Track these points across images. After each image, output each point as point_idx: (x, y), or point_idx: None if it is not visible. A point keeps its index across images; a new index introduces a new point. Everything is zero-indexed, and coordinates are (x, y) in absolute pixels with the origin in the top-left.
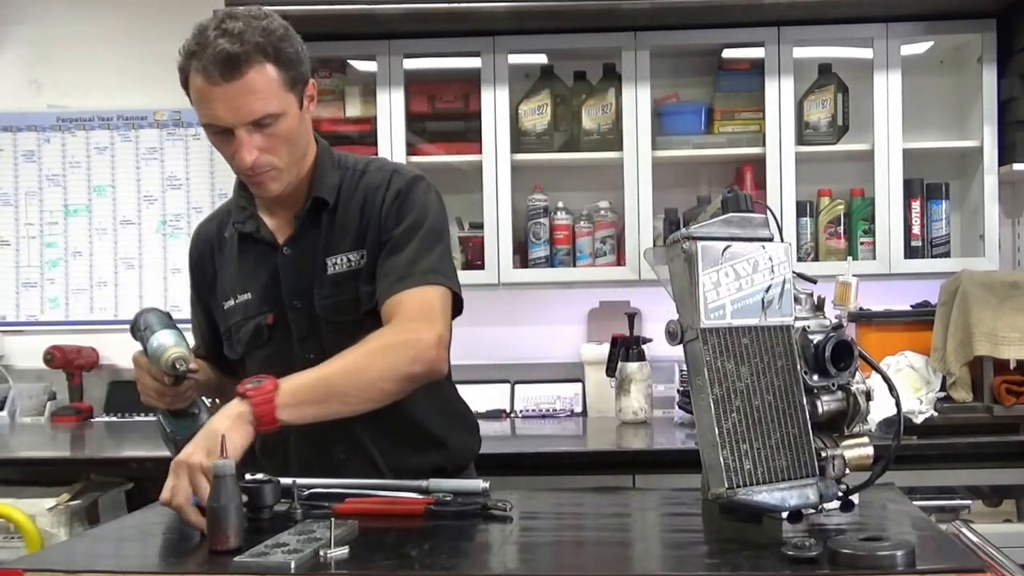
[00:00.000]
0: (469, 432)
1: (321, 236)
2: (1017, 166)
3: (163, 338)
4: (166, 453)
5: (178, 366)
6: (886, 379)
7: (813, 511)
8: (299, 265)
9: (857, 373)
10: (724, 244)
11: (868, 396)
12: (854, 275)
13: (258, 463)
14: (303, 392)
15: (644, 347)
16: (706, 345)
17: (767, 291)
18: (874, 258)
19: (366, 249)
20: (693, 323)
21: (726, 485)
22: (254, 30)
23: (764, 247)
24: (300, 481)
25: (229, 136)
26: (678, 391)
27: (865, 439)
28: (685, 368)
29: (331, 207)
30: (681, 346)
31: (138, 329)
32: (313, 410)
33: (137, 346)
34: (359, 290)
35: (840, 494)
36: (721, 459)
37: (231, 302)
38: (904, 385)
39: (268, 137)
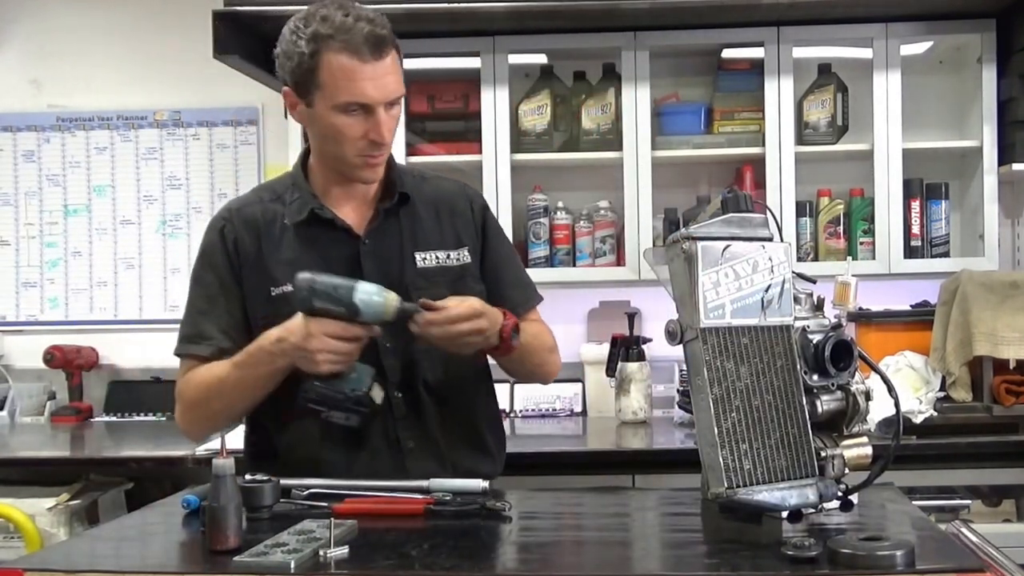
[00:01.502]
0: (503, 448)
1: (402, 230)
2: (1017, 166)
3: (369, 288)
4: (166, 453)
5: (407, 307)
6: (885, 379)
7: (813, 511)
8: (382, 256)
9: (856, 373)
10: (724, 244)
11: (867, 396)
12: (853, 275)
13: (327, 441)
14: (528, 339)
15: (644, 347)
16: (706, 345)
17: (767, 291)
18: (874, 258)
19: (467, 250)
20: (693, 323)
21: (725, 485)
22: (381, 19)
23: (764, 247)
24: (300, 481)
25: (363, 115)
26: (678, 391)
27: (864, 439)
28: (685, 368)
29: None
30: (681, 346)
31: (322, 294)
32: (517, 357)
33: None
34: (455, 286)
35: (840, 494)
36: (720, 459)
37: (288, 288)
38: (904, 385)
39: (392, 119)
